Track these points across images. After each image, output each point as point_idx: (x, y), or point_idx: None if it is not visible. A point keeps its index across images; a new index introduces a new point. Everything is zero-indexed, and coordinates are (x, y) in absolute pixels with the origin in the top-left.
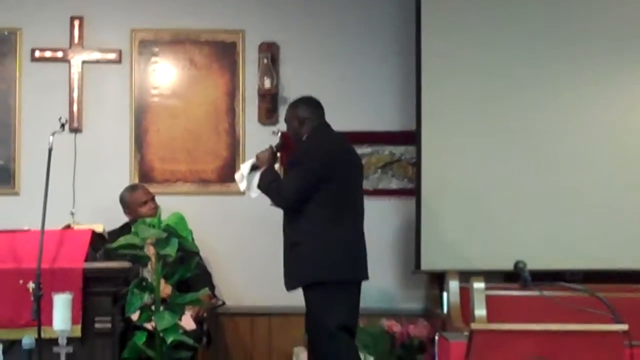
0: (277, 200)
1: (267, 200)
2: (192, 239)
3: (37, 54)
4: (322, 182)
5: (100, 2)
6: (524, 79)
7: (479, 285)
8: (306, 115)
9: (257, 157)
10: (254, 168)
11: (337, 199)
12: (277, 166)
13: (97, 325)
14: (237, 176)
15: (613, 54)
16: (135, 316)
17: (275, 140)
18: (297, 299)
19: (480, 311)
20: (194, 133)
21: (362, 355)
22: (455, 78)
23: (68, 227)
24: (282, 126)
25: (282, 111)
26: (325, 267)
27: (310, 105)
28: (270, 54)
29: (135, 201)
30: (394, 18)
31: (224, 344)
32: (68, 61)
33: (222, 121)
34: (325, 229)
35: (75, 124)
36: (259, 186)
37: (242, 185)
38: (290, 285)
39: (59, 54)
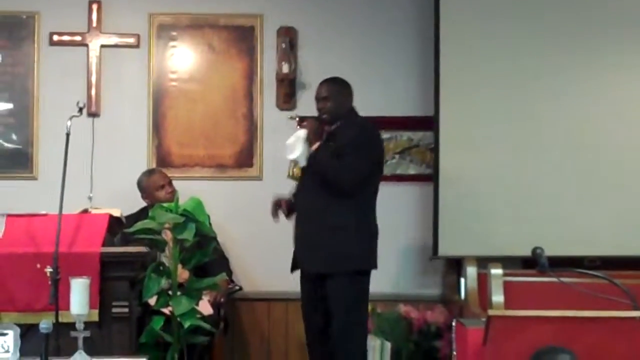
0: (337, 179)
1: (284, 185)
2: (210, 224)
3: (55, 38)
4: (376, 168)
5: None
6: (544, 65)
7: (496, 271)
8: (350, 97)
9: (309, 128)
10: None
11: (377, 186)
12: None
13: (114, 310)
14: (290, 141)
15: (634, 42)
16: (152, 301)
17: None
18: None
19: (497, 297)
20: (212, 118)
21: (379, 341)
22: (474, 63)
23: (85, 211)
24: (299, 111)
25: (300, 96)
26: (371, 256)
27: (351, 88)
28: (289, 38)
29: (152, 185)
30: (412, 2)
31: (241, 329)
32: (86, 45)
33: (240, 106)
34: (371, 217)
35: (93, 109)
36: (315, 159)
37: (296, 153)
38: (327, 267)
39: (77, 38)
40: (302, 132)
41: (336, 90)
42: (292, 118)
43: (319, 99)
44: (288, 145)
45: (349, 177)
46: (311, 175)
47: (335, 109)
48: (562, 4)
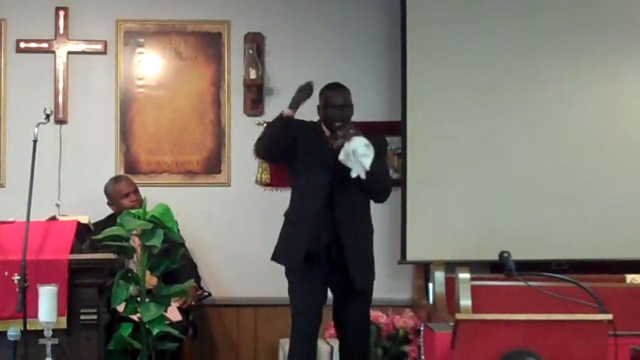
0: (388, 189)
1: (252, 191)
2: (178, 230)
3: (22, 45)
4: None
5: None
6: (511, 68)
7: (464, 275)
8: None
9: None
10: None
11: None
12: None
13: (82, 317)
14: (363, 151)
15: (603, 44)
16: (120, 308)
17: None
18: (283, 289)
19: (465, 301)
20: (179, 124)
21: None
22: (441, 68)
23: (53, 218)
24: (267, 117)
25: (268, 102)
26: None
27: None
28: (256, 44)
29: (117, 193)
30: (379, 8)
31: (210, 335)
32: (53, 52)
33: (207, 112)
34: None
35: (61, 115)
36: (379, 172)
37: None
38: (370, 281)
39: (44, 45)
40: (365, 140)
41: (350, 97)
42: (259, 124)
43: (342, 105)
44: (364, 154)
45: (391, 184)
46: (348, 183)
47: (350, 116)
48: (529, 8)
